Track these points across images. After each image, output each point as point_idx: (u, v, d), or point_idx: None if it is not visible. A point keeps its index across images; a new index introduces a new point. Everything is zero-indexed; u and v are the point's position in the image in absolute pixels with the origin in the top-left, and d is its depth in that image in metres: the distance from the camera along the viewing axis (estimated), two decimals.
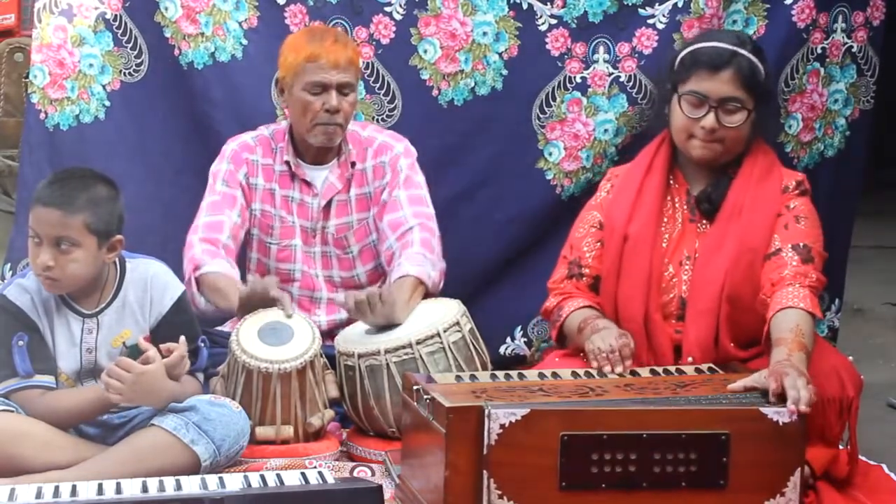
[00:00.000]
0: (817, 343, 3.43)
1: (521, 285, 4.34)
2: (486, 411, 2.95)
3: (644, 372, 3.40)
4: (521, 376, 3.35)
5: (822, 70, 4.29)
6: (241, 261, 4.07)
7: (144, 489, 2.91)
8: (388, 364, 3.63)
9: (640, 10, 4.27)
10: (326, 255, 4.07)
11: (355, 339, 3.74)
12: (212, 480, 2.94)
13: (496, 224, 4.36)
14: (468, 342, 3.72)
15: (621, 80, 4.31)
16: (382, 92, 4.29)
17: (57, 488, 2.89)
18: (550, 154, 4.35)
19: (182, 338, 3.39)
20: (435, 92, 4.31)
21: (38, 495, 2.86)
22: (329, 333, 3.95)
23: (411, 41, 4.28)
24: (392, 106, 4.31)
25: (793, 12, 4.19)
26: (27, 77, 4.51)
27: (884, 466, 3.60)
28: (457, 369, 3.62)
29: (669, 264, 3.66)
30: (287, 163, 4.02)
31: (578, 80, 4.32)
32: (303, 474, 2.97)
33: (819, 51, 4.26)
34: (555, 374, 3.37)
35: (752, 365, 3.42)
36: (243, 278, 3.96)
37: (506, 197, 4.36)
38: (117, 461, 3.25)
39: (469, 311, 3.79)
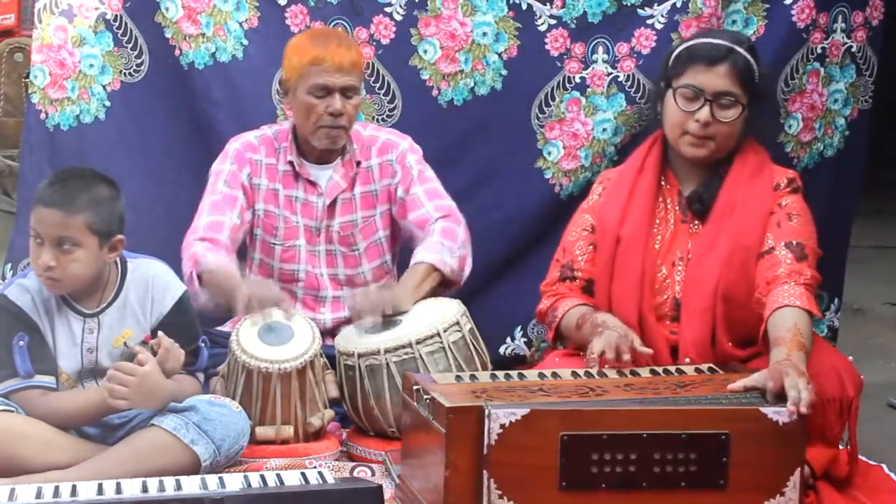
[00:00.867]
0: (817, 343, 3.43)
1: (520, 285, 4.34)
2: (487, 411, 2.95)
3: (644, 372, 3.40)
4: (521, 376, 3.34)
5: (821, 70, 4.29)
6: (241, 261, 4.07)
7: (144, 489, 2.91)
8: (388, 364, 3.63)
9: (639, 11, 4.28)
10: (331, 253, 4.07)
11: (355, 338, 3.74)
12: (212, 480, 2.94)
13: (496, 223, 4.37)
14: (468, 342, 3.72)
15: (620, 79, 4.32)
16: (382, 92, 4.30)
17: (57, 488, 2.89)
18: (549, 153, 4.36)
19: (160, 333, 3.39)
20: (435, 92, 4.32)
21: (38, 495, 2.86)
22: (334, 332, 3.95)
23: (411, 41, 4.28)
24: (392, 106, 4.31)
25: (792, 12, 4.20)
26: (27, 77, 4.52)
27: (884, 466, 3.60)
28: (457, 369, 3.62)
29: (662, 265, 3.66)
30: (291, 163, 4.02)
31: (577, 80, 4.33)
32: (303, 474, 2.97)
33: (819, 51, 4.27)
34: (555, 374, 3.37)
35: (752, 365, 3.42)
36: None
37: (505, 196, 4.37)
38: (117, 461, 3.26)
39: (469, 311, 3.80)
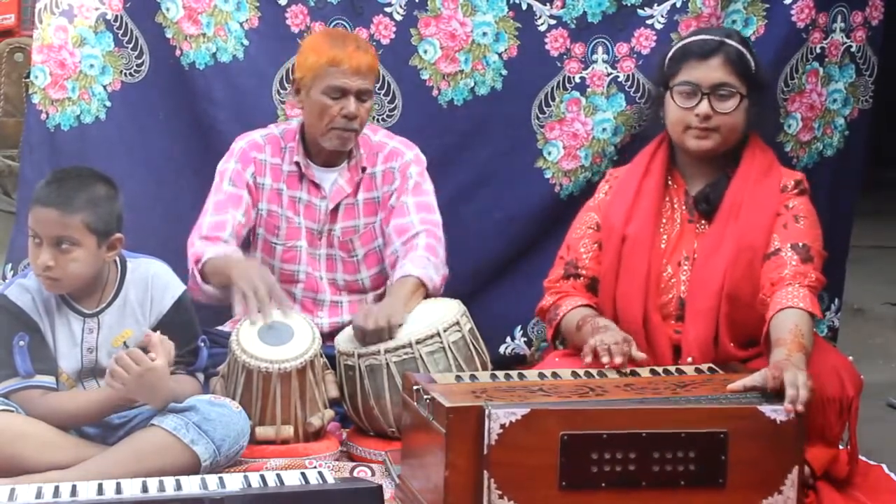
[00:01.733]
0: (817, 343, 3.43)
1: (520, 285, 4.34)
2: (487, 411, 2.95)
3: (644, 372, 3.40)
4: (521, 376, 3.35)
5: (821, 70, 4.29)
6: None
7: (144, 489, 2.91)
8: (388, 364, 3.63)
9: (639, 11, 4.28)
10: (331, 257, 4.07)
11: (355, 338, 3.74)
12: (212, 480, 2.94)
13: (495, 223, 4.37)
14: (468, 342, 3.72)
15: (620, 79, 4.32)
16: (382, 92, 4.30)
17: (57, 488, 2.89)
18: (549, 153, 4.36)
19: (148, 330, 3.38)
20: (435, 92, 4.32)
21: (38, 495, 2.86)
22: (331, 335, 3.93)
23: (411, 41, 4.29)
24: (392, 106, 4.31)
25: (792, 12, 4.20)
26: (27, 77, 4.52)
27: (884, 466, 3.60)
28: (457, 369, 3.62)
29: (668, 265, 3.66)
30: (297, 163, 4.01)
31: (577, 80, 4.33)
32: (303, 474, 2.97)
33: (818, 50, 4.27)
34: (555, 374, 3.37)
35: (752, 365, 3.42)
36: None
37: (505, 196, 4.37)
38: (117, 461, 3.26)
39: (469, 311, 3.80)
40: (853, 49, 4.31)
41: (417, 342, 3.63)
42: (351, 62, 3.85)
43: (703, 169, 3.69)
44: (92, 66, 4.22)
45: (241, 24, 4.24)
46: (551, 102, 4.34)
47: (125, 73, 4.25)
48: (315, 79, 3.87)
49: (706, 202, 3.66)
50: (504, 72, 4.32)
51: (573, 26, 4.30)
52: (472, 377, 3.33)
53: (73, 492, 2.87)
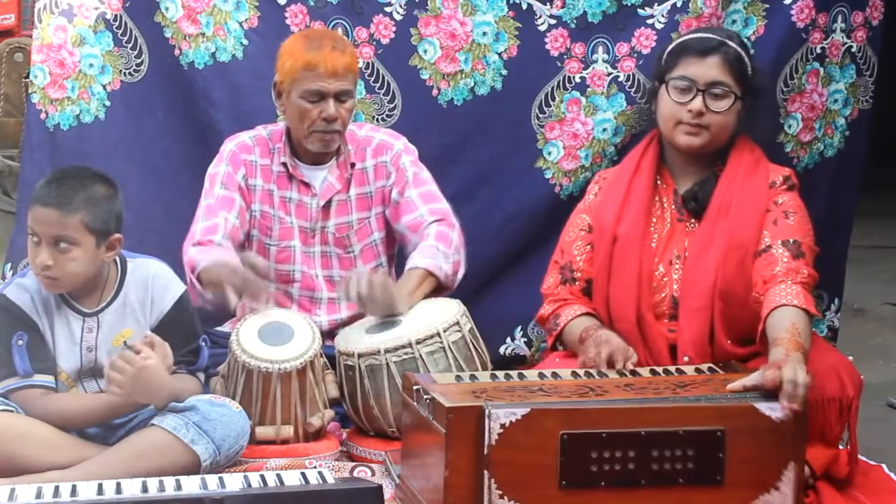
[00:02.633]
0: (817, 343, 3.43)
1: (520, 285, 4.35)
2: (487, 411, 2.95)
3: (644, 372, 3.40)
4: (521, 376, 3.34)
5: (821, 70, 4.29)
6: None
7: (144, 489, 2.91)
8: (388, 364, 3.63)
9: (640, 11, 4.28)
10: (326, 254, 4.07)
11: (355, 338, 3.74)
12: (212, 480, 2.94)
13: (496, 223, 4.37)
14: (468, 342, 3.72)
15: (620, 79, 4.32)
16: (382, 92, 4.30)
17: (57, 488, 2.89)
18: (549, 153, 4.36)
19: (148, 332, 3.38)
20: (435, 92, 4.32)
21: (38, 495, 2.85)
22: (330, 334, 3.94)
23: (411, 41, 4.29)
24: (392, 106, 4.31)
25: (792, 12, 4.20)
26: (27, 77, 4.51)
27: (884, 466, 3.60)
28: (457, 369, 3.62)
29: (660, 264, 3.66)
30: (284, 164, 4.01)
31: (577, 80, 4.33)
32: (303, 474, 2.97)
33: (818, 51, 4.27)
34: (555, 374, 3.37)
35: (752, 364, 3.42)
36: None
37: (505, 196, 4.37)
38: (117, 461, 3.26)
39: (469, 311, 3.79)
40: (853, 49, 4.31)
41: (417, 342, 3.63)
42: (327, 65, 3.83)
43: (692, 168, 3.69)
44: (91, 65, 4.22)
45: (240, 23, 4.24)
46: (551, 102, 4.33)
47: (124, 73, 4.25)
48: (293, 83, 3.87)
49: (695, 201, 3.66)
50: (504, 72, 4.32)
51: (573, 26, 4.30)
52: (472, 377, 3.33)
53: (73, 492, 2.87)
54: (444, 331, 3.67)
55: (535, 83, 4.34)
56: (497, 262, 4.40)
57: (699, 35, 3.71)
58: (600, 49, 4.31)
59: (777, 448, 3.06)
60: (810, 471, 3.31)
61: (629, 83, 4.31)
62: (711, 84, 3.60)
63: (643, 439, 3.01)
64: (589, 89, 4.33)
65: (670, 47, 3.72)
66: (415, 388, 3.19)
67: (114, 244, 3.42)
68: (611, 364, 3.38)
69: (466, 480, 2.96)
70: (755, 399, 3.09)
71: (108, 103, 4.25)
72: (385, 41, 4.28)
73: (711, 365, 3.47)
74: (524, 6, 4.30)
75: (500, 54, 4.31)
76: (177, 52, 4.23)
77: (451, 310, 3.76)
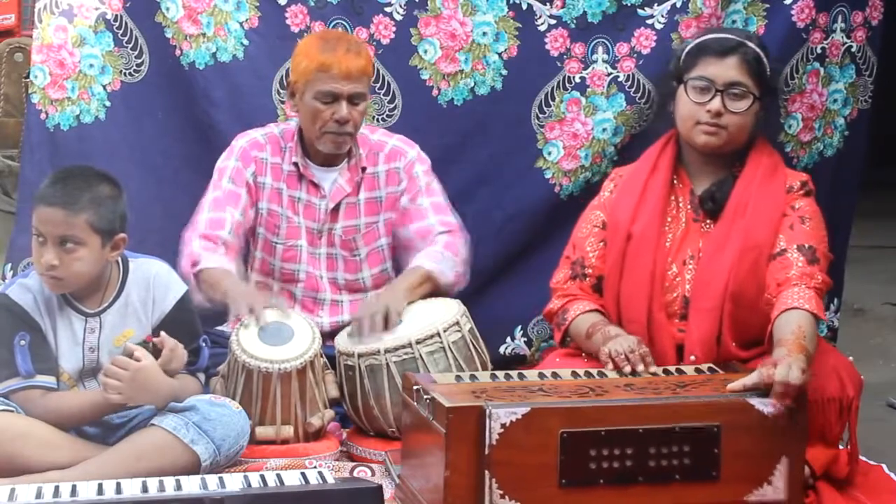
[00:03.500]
0: (818, 343, 3.43)
1: (520, 285, 4.35)
2: (488, 411, 2.95)
3: (644, 372, 3.40)
4: (521, 376, 3.35)
5: (821, 70, 4.29)
6: (245, 259, 4.07)
7: (144, 489, 2.91)
8: (387, 364, 3.63)
9: (639, 11, 4.28)
10: (332, 256, 4.07)
11: (355, 338, 3.74)
12: (212, 480, 2.94)
13: (495, 223, 4.37)
14: (468, 342, 3.72)
15: (620, 79, 4.32)
16: (382, 92, 4.30)
17: (57, 488, 2.89)
18: (549, 153, 4.36)
19: (163, 333, 3.39)
20: (435, 92, 4.32)
21: (38, 495, 2.86)
22: (331, 335, 3.94)
23: (411, 41, 4.28)
24: (392, 106, 4.31)
25: (792, 12, 4.20)
26: (27, 77, 4.51)
27: (884, 466, 3.60)
28: (457, 369, 3.63)
29: (673, 263, 3.66)
30: (295, 163, 4.01)
31: (577, 80, 4.33)
32: (303, 474, 2.98)
33: (819, 51, 4.27)
34: (555, 374, 3.37)
35: (753, 365, 3.42)
36: (245, 276, 3.98)
37: (505, 196, 4.37)
38: (117, 461, 3.26)
39: (469, 311, 3.80)
40: (853, 49, 4.31)
41: (417, 342, 3.63)
42: (341, 67, 3.84)
43: (710, 168, 3.69)
44: (91, 65, 4.22)
45: (240, 23, 4.24)
46: (551, 102, 4.33)
47: (125, 73, 4.25)
48: (307, 84, 3.87)
49: (712, 201, 3.66)
50: (504, 72, 4.32)
51: (573, 26, 4.30)
52: (472, 377, 3.34)
53: (73, 492, 2.87)
54: (444, 331, 3.67)
55: (535, 83, 4.34)
56: (497, 262, 4.40)
57: (718, 35, 3.70)
58: (600, 49, 4.31)
59: (770, 443, 3.09)
60: (810, 471, 3.31)
61: (629, 83, 4.31)
62: (730, 84, 3.59)
63: (641, 436, 3.03)
64: (589, 89, 4.33)
65: (689, 47, 3.70)
66: (415, 388, 3.19)
67: (118, 244, 3.42)
68: (629, 358, 3.38)
69: (466, 480, 2.96)
70: (750, 395, 3.10)
71: (108, 103, 4.25)
72: (385, 41, 4.28)
73: (712, 365, 3.47)
74: (524, 6, 4.30)
75: (500, 54, 4.31)
76: (177, 52, 4.23)
77: (451, 310, 3.76)
